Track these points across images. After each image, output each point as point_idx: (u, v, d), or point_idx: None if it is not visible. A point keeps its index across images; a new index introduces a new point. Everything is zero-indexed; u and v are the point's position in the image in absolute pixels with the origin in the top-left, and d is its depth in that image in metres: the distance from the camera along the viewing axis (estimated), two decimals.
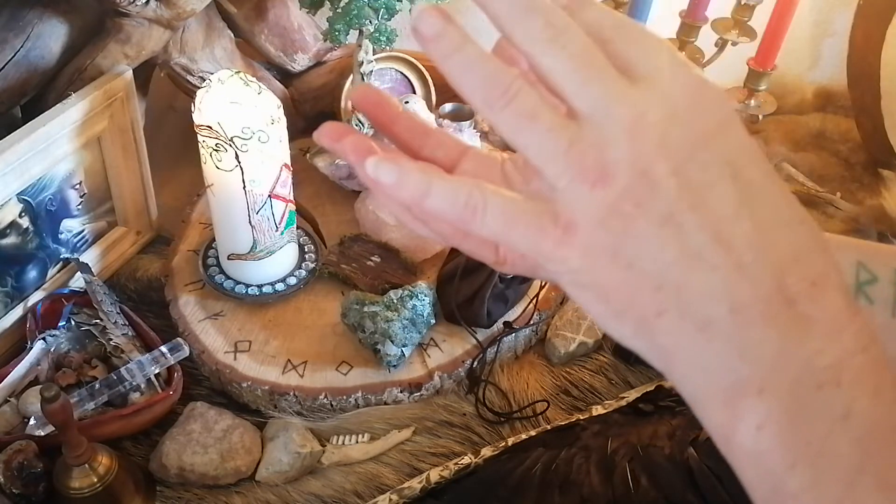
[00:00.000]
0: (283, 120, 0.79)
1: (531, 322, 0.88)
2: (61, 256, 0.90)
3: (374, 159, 0.29)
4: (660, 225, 0.26)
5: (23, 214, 0.83)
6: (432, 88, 1.09)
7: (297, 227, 0.91)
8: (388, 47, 0.92)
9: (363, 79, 0.95)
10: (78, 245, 0.92)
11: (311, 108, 1.13)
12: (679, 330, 0.27)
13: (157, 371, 0.79)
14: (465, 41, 0.28)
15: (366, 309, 0.82)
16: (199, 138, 0.78)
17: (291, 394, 0.81)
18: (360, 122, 0.99)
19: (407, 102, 0.94)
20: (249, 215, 0.82)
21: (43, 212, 0.85)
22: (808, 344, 0.26)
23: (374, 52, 0.95)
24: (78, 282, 0.90)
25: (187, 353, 0.81)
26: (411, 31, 0.28)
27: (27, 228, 0.84)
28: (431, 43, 0.28)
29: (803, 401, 0.26)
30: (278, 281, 0.89)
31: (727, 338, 0.27)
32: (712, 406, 0.28)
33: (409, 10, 0.88)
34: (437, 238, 0.33)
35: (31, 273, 0.87)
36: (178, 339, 0.82)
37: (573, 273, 0.28)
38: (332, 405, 0.82)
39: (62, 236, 0.89)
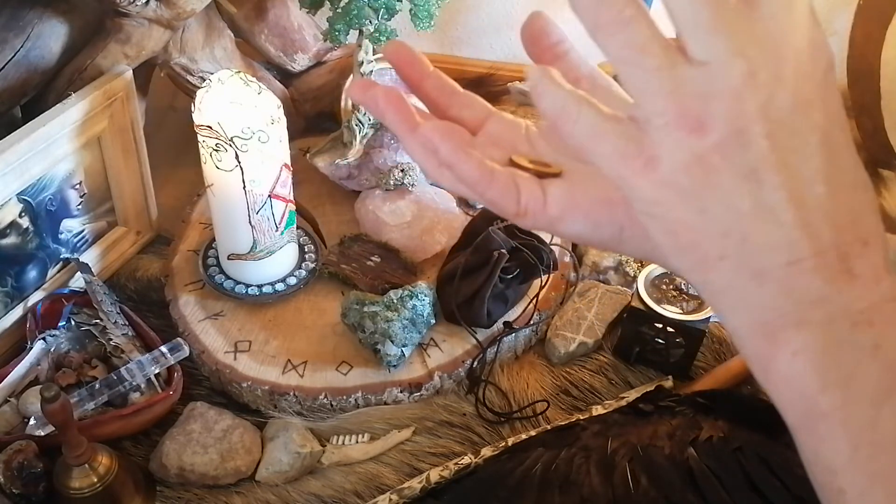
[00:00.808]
0: (283, 120, 0.79)
1: (531, 322, 0.88)
2: (61, 256, 0.90)
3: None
4: (742, 180, 0.28)
5: (23, 214, 0.83)
6: None
7: (297, 227, 0.91)
8: None
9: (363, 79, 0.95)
10: (78, 245, 0.92)
11: (311, 108, 1.13)
12: (735, 274, 0.29)
13: (157, 371, 0.79)
14: (544, 80, 0.30)
15: (366, 309, 0.82)
16: (199, 138, 0.78)
17: (291, 394, 0.81)
18: (359, 121, 0.99)
19: None
20: (249, 215, 0.82)
21: (43, 212, 0.85)
22: (849, 293, 0.29)
23: (374, 52, 0.95)
24: (78, 282, 0.90)
25: (187, 353, 0.81)
26: None
27: (27, 228, 0.84)
28: (531, 89, 0.30)
29: (837, 335, 0.29)
30: (278, 281, 0.89)
31: (779, 284, 0.29)
32: (753, 338, 0.30)
33: (409, 10, 0.88)
34: (461, 189, 0.34)
35: (31, 273, 0.87)
36: (178, 339, 0.82)
37: (644, 203, 0.30)
38: (332, 405, 0.82)
39: (62, 236, 0.89)
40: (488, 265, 0.83)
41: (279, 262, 0.88)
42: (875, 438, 0.29)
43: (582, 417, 0.79)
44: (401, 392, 0.82)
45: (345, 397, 0.81)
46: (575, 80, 0.30)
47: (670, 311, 0.81)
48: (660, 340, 0.83)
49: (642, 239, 0.33)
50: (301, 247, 0.93)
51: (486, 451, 0.77)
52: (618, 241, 0.34)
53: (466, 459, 0.76)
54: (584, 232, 0.34)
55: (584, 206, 0.33)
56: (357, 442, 0.80)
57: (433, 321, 0.85)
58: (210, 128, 0.76)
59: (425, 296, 0.83)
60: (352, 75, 0.98)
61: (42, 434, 0.74)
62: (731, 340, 0.33)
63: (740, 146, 0.27)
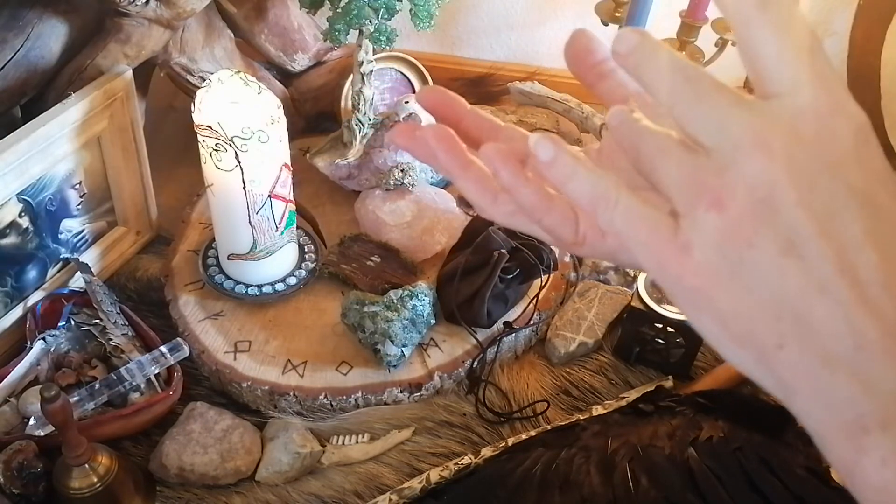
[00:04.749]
0: (283, 120, 0.79)
1: (531, 322, 0.88)
2: (61, 256, 0.90)
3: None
4: (781, 254, 0.26)
5: (23, 214, 0.83)
6: None
7: (297, 227, 0.91)
8: (388, 47, 0.92)
9: (363, 79, 0.95)
10: (78, 245, 0.92)
11: (311, 108, 1.13)
12: (801, 363, 0.27)
13: (156, 371, 0.79)
14: (576, 166, 0.30)
15: (366, 309, 0.82)
16: (199, 138, 0.78)
17: (291, 394, 0.81)
18: (359, 121, 0.98)
19: (407, 102, 0.94)
20: (249, 215, 0.81)
21: (43, 212, 0.85)
22: None
23: (374, 52, 0.95)
24: (78, 282, 0.90)
25: (187, 353, 0.81)
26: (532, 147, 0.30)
27: (27, 228, 0.84)
28: (547, 168, 0.30)
29: None
30: (278, 281, 0.89)
31: (851, 373, 0.26)
32: (835, 440, 0.27)
33: (409, 10, 0.88)
34: (516, 220, 0.33)
35: (31, 273, 0.87)
36: (178, 339, 0.82)
37: (688, 294, 0.29)
38: (332, 405, 0.82)
39: (62, 236, 0.89)
40: (488, 265, 0.83)
41: (279, 262, 0.88)
42: None
43: (582, 417, 0.79)
44: (401, 392, 0.82)
45: (345, 397, 0.81)
46: (622, 98, 0.28)
47: (670, 311, 0.81)
48: (660, 340, 0.83)
49: None
50: (301, 247, 0.93)
51: (486, 451, 0.77)
52: None
53: (466, 459, 0.76)
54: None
55: None
56: (357, 442, 0.80)
57: (433, 321, 0.85)
58: (210, 128, 0.76)
59: (425, 296, 0.83)
60: (352, 75, 0.98)
61: (42, 434, 0.74)
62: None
63: (768, 215, 0.26)
